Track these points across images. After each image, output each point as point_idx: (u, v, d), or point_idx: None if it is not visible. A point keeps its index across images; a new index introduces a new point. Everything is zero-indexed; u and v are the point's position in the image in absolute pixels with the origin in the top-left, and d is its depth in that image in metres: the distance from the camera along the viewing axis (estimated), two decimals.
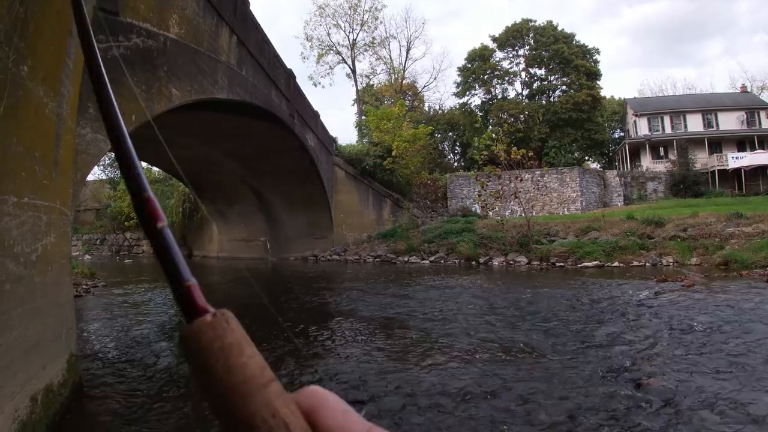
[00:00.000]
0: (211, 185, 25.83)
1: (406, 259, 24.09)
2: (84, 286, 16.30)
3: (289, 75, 19.49)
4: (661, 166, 38.36)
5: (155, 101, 8.48)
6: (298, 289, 15.51)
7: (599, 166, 46.77)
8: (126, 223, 37.31)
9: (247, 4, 14.17)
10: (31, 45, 4.42)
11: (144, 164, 36.28)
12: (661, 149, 40.85)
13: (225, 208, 29.11)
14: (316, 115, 24.96)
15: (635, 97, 49.78)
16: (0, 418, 3.94)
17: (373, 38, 53.23)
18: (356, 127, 48.28)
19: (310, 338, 8.88)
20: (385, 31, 72.07)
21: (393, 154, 29.59)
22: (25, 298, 4.46)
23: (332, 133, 29.96)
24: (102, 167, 41.87)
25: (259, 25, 15.18)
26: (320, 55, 52.68)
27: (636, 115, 43.02)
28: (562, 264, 19.51)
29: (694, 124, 40.82)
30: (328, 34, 53.56)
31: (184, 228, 33.71)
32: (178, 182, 32.21)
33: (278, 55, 17.64)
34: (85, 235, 41.30)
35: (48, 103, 4.87)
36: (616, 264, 18.68)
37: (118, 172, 43.31)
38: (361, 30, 52.17)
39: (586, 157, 47.32)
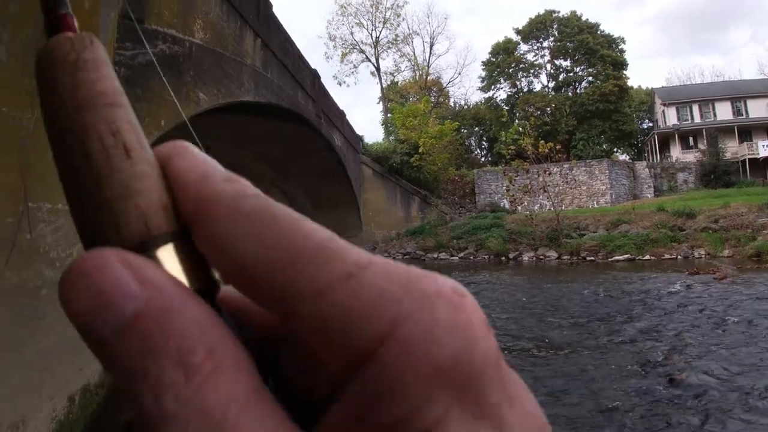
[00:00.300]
0: None
1: (435, 255, 24.10)
2: None
3: (314, 75, 19.56)
4: (690, 156, 37.57)
5: (184, 106, 8.56)
6: None
7: (628, 157, 45.97)
8: None
9: (270, 6, 14.24)
10: None
11: None
12: (691, 139, 40.03)
13: None
14: (342, 114, 25.03)
15: (663, 87, 48.66)
16: (39, 418, 4.07)
17: (396, 35, 53.39)
18: (382, 124, 48.35)
19: None
20: (408, 28, 71.22)
21: (420, 150, 29.54)
22: None
23: (358, 131, 30.01)
24: None
25: (282, 26, 15.26)
26: (344, 54, 52.98)
27: (664, 105, 42.22)
28: (592, 258, 19.32)
29: (723, 112, 39.84)
30: (351, 33, 53.65)
31: None
32: None
33: (302, 56, 17.71)
34: None
35: None
36: (647, 257, 18.45)
37: None
38: (383, 27, 52.41)
39: (615, 149, 46.62)
